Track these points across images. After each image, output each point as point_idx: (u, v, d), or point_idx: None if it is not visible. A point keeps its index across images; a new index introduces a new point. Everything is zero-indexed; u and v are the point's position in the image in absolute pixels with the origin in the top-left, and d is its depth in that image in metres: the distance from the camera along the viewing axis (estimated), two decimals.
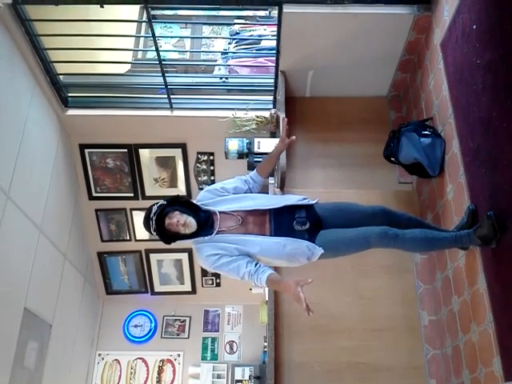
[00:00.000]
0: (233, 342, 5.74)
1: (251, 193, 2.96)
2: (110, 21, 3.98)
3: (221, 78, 4.69)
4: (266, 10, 5.04)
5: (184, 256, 5.50)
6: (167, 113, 4.48)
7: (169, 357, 5.68)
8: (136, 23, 5.40)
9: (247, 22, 5.19)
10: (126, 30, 4.88)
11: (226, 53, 4.99)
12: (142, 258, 5.51)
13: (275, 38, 3.92)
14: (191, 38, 5.76)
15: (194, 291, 5.76)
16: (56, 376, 4.63)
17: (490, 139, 2.79)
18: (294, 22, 3.73)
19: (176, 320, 5.84)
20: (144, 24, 5.43)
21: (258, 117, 4.31)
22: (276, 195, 3.83)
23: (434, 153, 3.51)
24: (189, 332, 5.79)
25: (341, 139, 4.39)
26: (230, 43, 5.17)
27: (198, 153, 4.86)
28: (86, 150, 4.83)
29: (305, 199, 2.89)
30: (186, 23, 5.80)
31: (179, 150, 4.84)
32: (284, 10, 3.64)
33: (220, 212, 2.76)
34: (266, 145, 4.07)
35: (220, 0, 3.89)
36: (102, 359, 5.67)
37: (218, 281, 5.68)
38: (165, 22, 5.73)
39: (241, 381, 5.27)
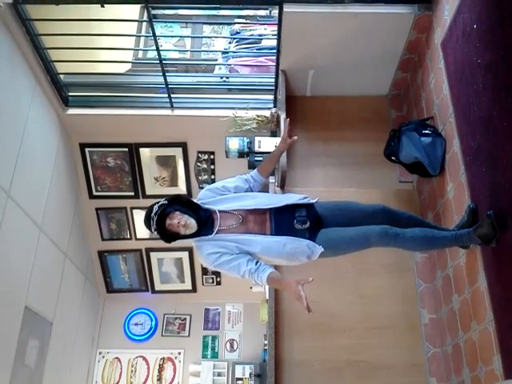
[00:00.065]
0: (233, 340, 5.75)
1: (252, 192, 2.97)
2: (111, 20, 3.98)
3: (221, 78, 4.69)
4: (267, 9, 5.04)
5: (184, 255, 5.50)
6: (168, 112, 4.49)
7: (169, 355, 5.69)
8: (136, 23, 5.40)
9: (248, 21, 5.19)
10: (126, 29, 4.88)
11: (227, 52, 4.99)
12: (142, 257, 5.52)
13: (276, 37, 3.92)
14: (192, 37, 5.76)
15: (194, 290, 5.77)
16: (57, 374, 4.64)
17: (490, 138, 2.80)
18: (294, 22, 3.73)
19: (176, 318, 5.85)
20: (144, 23, 5.44)
21: (258, 116, 4.32)
22: (276, 194, 3.83)
23: (435, 152, 3.51)
24: (189, 330, 5.81)
25: (341, 138, 4.39)
26: (230, 42, 5.17)
27: (199, 152, 4.86)
28: (87, 149, 4.83)
29: (305, 198, 2.89)
30: (187, 23, 5.80)
31: (180, 149, 4.84)
32: (284, 10, 3.65)
33: (220, 211, 2.77)
34: (267, 144, 4.07)
35: None
36: (103, 357, 5.68)
37: (218, 279, 5.69)
38: (165, 22, 5.73)
39: (241, 379, 5.28)
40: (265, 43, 4.87)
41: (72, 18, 3.77)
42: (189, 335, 5.79)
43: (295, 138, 2.98)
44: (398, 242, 2.76)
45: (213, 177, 4.93)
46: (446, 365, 3.52)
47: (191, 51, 5.50)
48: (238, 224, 2.75)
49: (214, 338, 5.77)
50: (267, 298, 3.92)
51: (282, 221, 2.78)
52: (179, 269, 5.64)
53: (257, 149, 4.07)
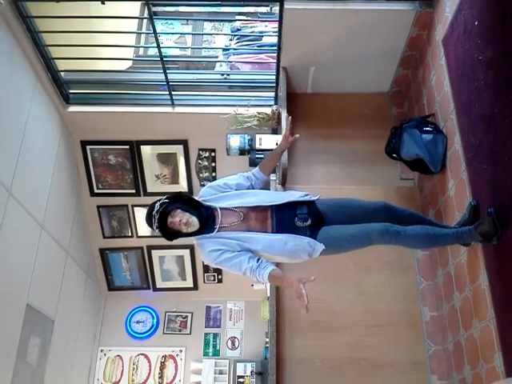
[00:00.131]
0: (235, 337, 5.75)
1: (253, 189, 2.96)
2: (111, 17, 3.97)
3: (222, 75, 4.68)
4: (268, 6, 5.05)
5: (186, 252, 5.50)
6: (169, 109, 4.48)
7: (171, 353, 5.70)
8: (137, 20, 5.39)
9: (248, 18, 5.18)
10: (127, 26, 4.87)
11: (228, 49, 4.99)
12: (143, 255, 5.52)
13: (276, 34, 3.92)
14: (192, 34, 5.76)
15: (195, 287, 5.77)
16: (58, 371, 4.65)
17: (491, 135, 2.79)
18: (295, 18, 3.72)
19: (178, 316, 5.85)
20: (145, 20, 5.43)
21: (259, 113, 4.31)
22: (278, 191, 3.83)
23: (436, 149, 3.51)
24: (191, 328, 5.81)
25: (342, 135, 4.38)
26: (231, 39, 5.17)
27: (200, 149, 4.86)
28: (88, 147, 4.83)
29: (306, 195, 2.89)
30: (188, 19, 5.79)
31: (181, 147, 4.84)
32: (285, 6, 3.64)
33: (221, 208, 2.77)
34: (268, 141, 4.07)
35: None
36: (104, 355, 5.69)
37: (219, 277, 5.70)
38: (166, 19, 5.73)
39: (242, 376, 5.28)
40: (266, 40, 4.86)
41: (72, 15, 3.77)
42: (190, 333, 5.79)
43: (297, 135, 2.97)
44: (399, 239, 2.76)
45: (214, 174, 4.93)
46: (447, 362, 3.52)
47: (192, 48, 5.50)
48: (239, 221, 2.75)
49: (215, 336, 5.77)
50: (268, 295, 3.92)
51: (283, 218, 2.77)
52: (180, 266, 5.64)
53: (258, 146, 4.06)
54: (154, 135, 4.77)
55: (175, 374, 5.62)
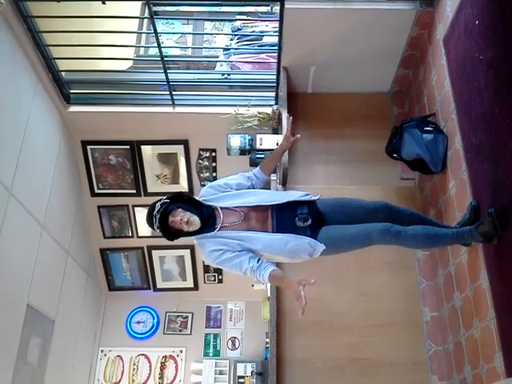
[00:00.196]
0: (235, 338, 5.75)
1: (254, 189, 2.96)
2: (112, 17, 3.97)
3: (223, 75, 4.68)
4: (268, 5, 5.05)
5: (186, 252, 5.50)
6: (169, 109, 4.48)
7: (171, 353, 5.69)
8: (138, 19, 5.39)
9: (249, 18, 5.18)
10: (127, 26, 4.87)
11: (228, 49, 4.99)
12: (144, 255, 5.51)
13: (277, 34, 3.92)
14: (193, 34, 5.75)
15: (196, 287, 5.77)
16: (59, 372, 4.64)
17: (492, 135, 2.79)
18: (295, 18, 3.72)
19: (178, 316, 5.85)
20: (146, 20, 5.43)
21: (260, 113, 4.31)
22: (278, 191, 3.83)
23: (437, 149, 3.51)
24: (191, 328, 5.80)
25: (343, 135, 4.38)
26: (231, 39, 5.17)
27: (200, 149, 4.86)
28: (89, 147, 4.83)
29: (307, 195, 2.89)
30: (188, 19, 5.79)
31: (181, 147, 4.83)
32: (286, 6, 3.64)
33: (222, 208, 2.77)
34: (268, 141, 4.07)
35: None
36: (105, 355, 5.69)
37: (220, 277, 5.69)
38: (166, 19, 5.72)
39: (243, 377, 5.27)
40: (266, 40, 4.86)
41: (73, 14, 3.77)
42: (191, 333, 5.78)
43: (298, 136, 2.97)
44: (400, 239, 2.75)
45: (214, 174, 4.92)
46: (448, 362, 3.51)
47: (192, 48, 5.50)
48: (240, 221, 2.75)
49: (215, 336, 5.76)
50: (269, 295, 3.92)
51: (284, 218, 2.78)
52: (181, 267, 5.63)
53: (258, 146, 4.06)
54: (154, 135, 4.77)
55: (175, 374, 5.62)
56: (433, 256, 3.82)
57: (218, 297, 5.84)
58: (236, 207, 2.78)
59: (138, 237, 5.35)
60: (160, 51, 4.01)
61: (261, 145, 4.06)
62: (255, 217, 2.77)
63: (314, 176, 4.26)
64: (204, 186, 3.36)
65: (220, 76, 4.70)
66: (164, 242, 2.84)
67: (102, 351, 5.69)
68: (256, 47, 4.83)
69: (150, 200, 2.85)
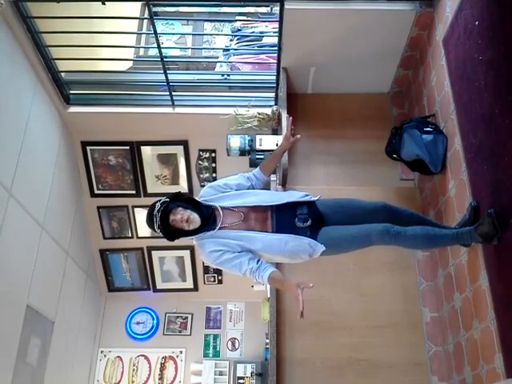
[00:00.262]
0: (235, 338, 5.74)
1: (253, 190, 2.96)
2: (112, 18, 3.96)
3: (222, 75, 4.68)
4: (268, 6, 5.04)
5: (186, 253, 5.50)
6: (169, 110, 4.48)
7: (171, 354, 5.69)
8: (138, 20, 5.39)
9: (249, 18, 5.18)
10: (127, 27, 4.86)
11: (228, 50, 4.98)
12: (143, 256, 5.51)
13: (277, 34, 3.92)
14: (193, 34, 5.75)
15: (195, 288, 5.77)
16: (58, 372, 4.64)
17: (492, 136, 2.79)
18: (295, 19, 3.72)
19: (178, 317, 5.84)
20: (146, 21, 5.42)
21: (259, 114, 4.30)
22: (278, 191, 3.82)
23: (436, 149, 3.51)
24: (191, 329, 5.80)
25: (343, 136, 4.38)
26: (231, 40, 5.17)
27: (200, 150, 4.86)
28: (88, 148, 4.83)
29: (306, 196, 2.89)
30: (188, 20, 5.79)
31: (181, 147, 4.83)
32: (286, 7, 3.64)
33: (222, 208, 2.77)
34: (268, 142, 4.07)
35: None
36: (105, 356, 5.68)
37: (219, 278, 5.69)
38: (166, 19, 5.72)
39: (243, 378, 5.27)
40: (266, 40, 4.86)
41: (73, 15, 3.77)
42: (190, 334, 5.78)
43: (298, 136, 2.97)
44: (400, 240, 2.75)
45: (214, 175, 4.93)
46: (448, 363, 3.51)
47: (192, 49, 5.50)
48: (239, 221, 2.75)
49: (215, 337, 5.76)
50: (269, 296, 3.92)
51: (283, 218, 2.78)
52: (181, 267, 5.63)
53: (258, 147, 4.06)
54: (154, 136, 4.77)
55: (175, 375, 5.61)
56: (432, 257, 3.81)
57: (218, 298, 5.84)
58: (236, 207, 2.78)
59: (138, 237, 5.35)
60: (160, 52, 4.01)
61: (260, 145, 4.06)
62: (255, 217, 2.77)
63: (313, 177, 4.26)
64: (203, 186, 3.36)
65: (220, 77, 4.71)
66: (164, 242, 2.84)
67: (101, 352, 5.69)
68: (256, 48, 4.83)
69: (150, 201, 2.84)
